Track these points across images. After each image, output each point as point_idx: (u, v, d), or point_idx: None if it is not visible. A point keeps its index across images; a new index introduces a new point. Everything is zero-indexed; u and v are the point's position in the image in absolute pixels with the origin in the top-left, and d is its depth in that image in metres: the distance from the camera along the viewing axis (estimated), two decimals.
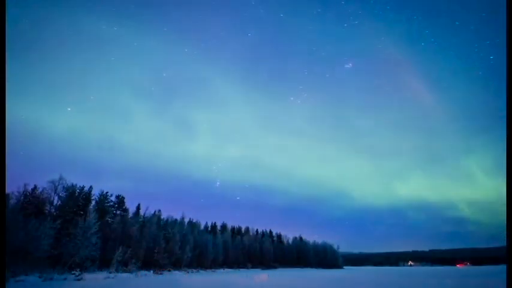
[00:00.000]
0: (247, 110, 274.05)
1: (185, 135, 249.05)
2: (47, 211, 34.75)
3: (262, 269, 68.16)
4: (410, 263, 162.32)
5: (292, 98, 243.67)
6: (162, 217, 53.54)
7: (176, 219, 57.35)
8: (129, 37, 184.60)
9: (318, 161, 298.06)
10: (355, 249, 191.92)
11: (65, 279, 25.44)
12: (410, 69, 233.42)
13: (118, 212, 44.47)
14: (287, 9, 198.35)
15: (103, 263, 33.93)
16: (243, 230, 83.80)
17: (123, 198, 45.96)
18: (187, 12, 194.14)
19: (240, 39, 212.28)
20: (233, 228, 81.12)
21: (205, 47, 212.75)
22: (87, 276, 27.89)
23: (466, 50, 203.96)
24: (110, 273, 32.12)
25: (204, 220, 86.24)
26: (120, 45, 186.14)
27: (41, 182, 38.81)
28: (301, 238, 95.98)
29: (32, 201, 34.70)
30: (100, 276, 29.56)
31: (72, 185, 37.58)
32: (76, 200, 36.97)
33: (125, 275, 33.24)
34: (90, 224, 32.31)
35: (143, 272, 37.55)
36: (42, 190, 35.80)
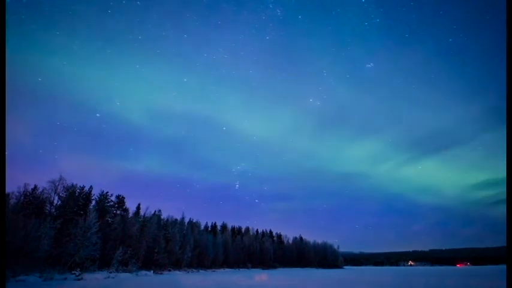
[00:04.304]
0: (266, 112, 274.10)
1: (201, 138, 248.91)
2: (47, 211, 34.71)
3: (263, 269, 68.12)
4: (410, 263, 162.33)
5: (311, 100, 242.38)
6: (162, 217, 53.51)
7: (176, 219, 57.32)
8: (152, 45, 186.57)
9: (343, 161, 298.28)
10: (356, 249, 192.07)
11: (65, 279, 25.44)
12: (436, 67, 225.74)
13: (118, 212, 44.42)
14: (305, 11, 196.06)
15: (103, 263, 33.91)
16: (243, 230, 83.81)
17: (123, 198, 45.94)
18: (206, 17, 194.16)
19: (259, 42, 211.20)
20: (233, 228, 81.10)
21: (224, 51, 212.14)
22: (87, 276, 27.88)
23: (496, 45, 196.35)
24: (110, 273, 32.10)
25: (203, 220, 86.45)
26: (143, 53, 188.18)
27: (41, 182, 38.90)
28: (301, 238, 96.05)
29: (32, 201, 34.68)
30: (100, 276, 29.52)
31: (72, 185, 37.58)
32: (76, 200, 36.95)
33: (125, 275, 33.23)
34: (90, 224, 32.29)
35: (143, 272, 37.56)
36: (42, 190, 35.81)
